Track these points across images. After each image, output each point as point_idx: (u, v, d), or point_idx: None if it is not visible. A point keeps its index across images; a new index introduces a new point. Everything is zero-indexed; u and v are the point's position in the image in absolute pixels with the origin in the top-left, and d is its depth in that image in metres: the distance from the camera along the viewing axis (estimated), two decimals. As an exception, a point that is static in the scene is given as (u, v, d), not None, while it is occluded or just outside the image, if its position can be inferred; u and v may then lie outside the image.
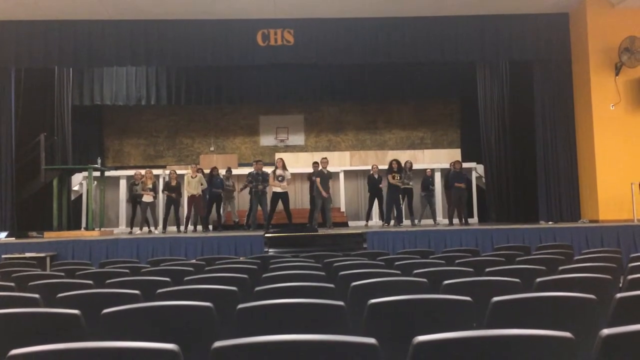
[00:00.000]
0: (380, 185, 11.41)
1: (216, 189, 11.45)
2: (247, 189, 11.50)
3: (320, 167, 11.28)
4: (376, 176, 11.55)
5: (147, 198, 10.95)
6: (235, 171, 12.71)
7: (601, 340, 1.67)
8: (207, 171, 11.77)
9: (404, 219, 11.39)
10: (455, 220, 11.39)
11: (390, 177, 11.15)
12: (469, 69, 13.53)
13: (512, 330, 1.74)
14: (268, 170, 11.53)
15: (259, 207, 11.07)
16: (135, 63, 11.73)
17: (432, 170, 12.14)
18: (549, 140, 10.89)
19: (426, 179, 11.81)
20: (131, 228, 11.29)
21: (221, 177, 11.59)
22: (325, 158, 11.64)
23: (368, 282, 3.21)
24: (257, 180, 10.96)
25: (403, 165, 11.54)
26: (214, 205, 11.54)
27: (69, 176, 11.93)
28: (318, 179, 11.03)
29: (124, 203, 12.82)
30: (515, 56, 11.21)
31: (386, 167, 11.48)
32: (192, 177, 11.09)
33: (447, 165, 12.56)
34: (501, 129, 12.73)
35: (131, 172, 12.96)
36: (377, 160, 13.73)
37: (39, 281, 3.86)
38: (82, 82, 13.85)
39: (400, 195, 11.41)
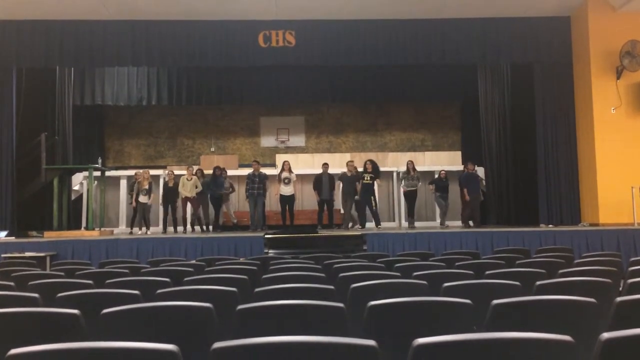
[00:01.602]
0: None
1: (217, 190, 11.30)
2: (245, 190, 11.47)
3: (345, 170, 11.29)
4: (349, 174, 11.29)
5: (143, 199, 10.96)
6: (236, 172, 12.72)
7: (601, 344, 1.67)
8: (208, 172, 11.72)
9: (381, 221, 11.36)
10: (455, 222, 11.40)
11: (364, 177, 11.08)
12: (470, 71, 13.53)
13: (512, 334, 1.74)
14: (267, 171, 11.63)
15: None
16: (136, 63, 11.73)
17: (446, 173, 12.03)
18: (549, 143, 10.89)
19: (439, 179, 11.80)
20: (131, 228, 11.29)
21: (223, 177, 11.47)
22: (352, 161, 11.60)
23: (368, 284, 3.21)
24: (254, 182, 10.99)
25: (406, 166, 11.50)
26: (213, 207, 11.43)
27: (69, 176, 11.93)
28: (341, 184, 11.10)
29: (125, 203, 12.81)
30: (516, 59, 11.23)
31: (386, 168, 11.47)
32: (187, 179, 11.11)
33: (447, 167, 12.57)
34: (502, 132, 12.73)
35: (131, 173, 12.99)
36: (377, 162, 13.71)
37: (38, 281, 3.85)
38: (83, 82, 13.86)
39: (406, 198, 11.37)
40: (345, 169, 11.41)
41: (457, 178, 11.94)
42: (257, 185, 10.97)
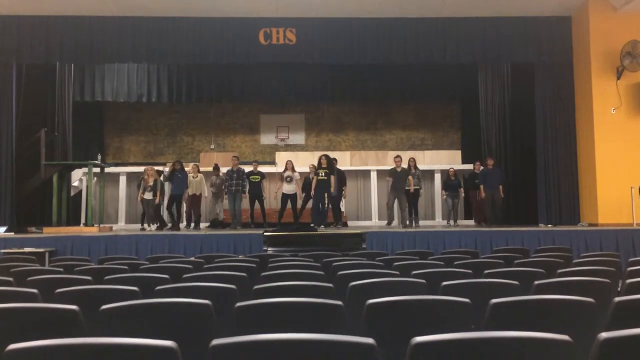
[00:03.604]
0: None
1: (177, 188, 10.80)
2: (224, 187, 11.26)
3: (394, 166, 11.01)
4: (311, 177, 11.06)
5: (149, 195, 10.94)
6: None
7: (599, 344, 1.67)
8: (207, 169, 11.65)
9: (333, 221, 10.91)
10: (459, 221, 11.23)
11: (317, 174, 10.54)
12: (470, 70, 13.53)
13: (511, 333, 1.74)
14: (266, 169, 11.65)
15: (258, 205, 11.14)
16: (136, 60, 11.75)
17: (455, 171, 12.02)
18: (549, 143, 10.89)
19: (448, 178, 11.75)
20: (148, 225, 11.17)
21: (179, 174, 10.90)
22: (398, 156, 11.20)
23: (366, 282, 3.20)
24: (232, 178, 10.93)
25: (407, 163, 11.32)
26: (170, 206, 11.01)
27: (68, 172, 11.92)
28: (391, 179, 10.90)
29: (124, 200, 12.81)
30: (516, 58, 11.23)
31: (386, 167, 11.37)
32: (193, 177, 11.11)
33: (447, 167, 12.56)
34: (502, 131, 12.73)
35: (131, 169, 12.99)
36: (377, 160, 13.75)
37: (37, 276, 3.85)
38: (83, 78, 13.87)
39: (408, 197, 11.17)
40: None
41: (466, 176, 11.92)
42: (235, 181, 10.93)
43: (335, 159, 11.24)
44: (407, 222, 10.84)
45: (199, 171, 11.30)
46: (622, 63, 10.19)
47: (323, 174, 10.50)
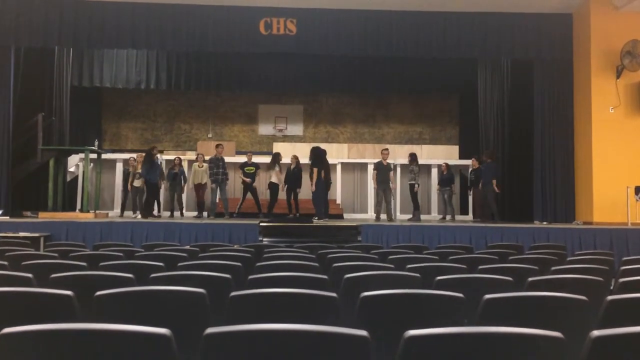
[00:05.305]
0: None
1: (154, 178, 10.56)
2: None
3: (380, 159, 11.01)
4: (292, 167, 11.11)
5: (137, 183, 10.92)
6: (232, 159, 12.68)
7: (591, 341, 1.68)
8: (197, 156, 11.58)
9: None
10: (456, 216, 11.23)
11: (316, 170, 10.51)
12: (469, 65, 13.51)
13: (503, 328, 1.74)
14: (263, 159, 11.66)
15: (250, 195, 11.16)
16: (135, 46, 11.66)
17: (448, 165, 12.04)
18: (546, 140, 10.91)
19: (440, 173, 11.73)
20: (134, 213, 11.17)
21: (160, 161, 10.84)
22: (386, 149, 11.22)
23: (361, 275, 3.22)
24: (218, 167, 10.86)
25: (408, 158, 11.24)
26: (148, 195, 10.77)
27: (65, 157, 11.86)
28: (375, 172, 10.90)
29: (121, 186, 12.78)
30: (516, 54, 11.21)
31: (378, 159, 11.31)
32: (199, 166, 11.15)
33: (442, 161, 12.56)
34: (500, 127, 12.74)
35: (128, 156, 12.92)
36: (374, 153, 13.72)
37: (32, 261, 3.85)
38: (81, 63, 13.79)
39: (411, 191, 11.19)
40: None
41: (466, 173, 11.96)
42: (221, 170, 10.84)
43: (316, 148, 11.21)
44: (393, 217, 10.83)
45: (204, 161, 11.31)
46: (622, 62, 10.19)
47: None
